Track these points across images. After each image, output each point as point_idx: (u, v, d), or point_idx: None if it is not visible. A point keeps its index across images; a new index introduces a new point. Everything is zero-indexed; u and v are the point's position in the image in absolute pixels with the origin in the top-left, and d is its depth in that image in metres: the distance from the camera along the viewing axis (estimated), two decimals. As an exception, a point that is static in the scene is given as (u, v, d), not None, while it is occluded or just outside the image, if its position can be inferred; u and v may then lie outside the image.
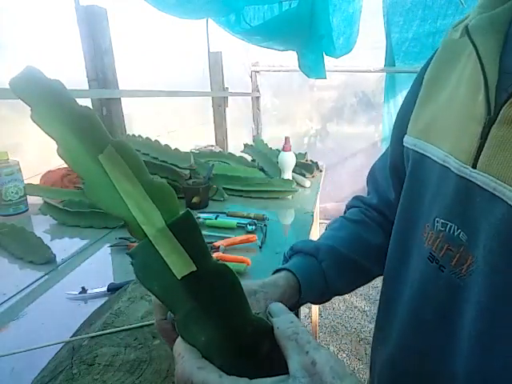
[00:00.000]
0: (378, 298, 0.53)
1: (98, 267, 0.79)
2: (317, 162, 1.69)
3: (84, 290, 0.67)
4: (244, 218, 1.06)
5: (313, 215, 1.15)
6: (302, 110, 3.45)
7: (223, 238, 0.90)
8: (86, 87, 1.28)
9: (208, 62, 2.43)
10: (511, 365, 0.30)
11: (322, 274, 0.50)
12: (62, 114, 0.25)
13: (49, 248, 0.81)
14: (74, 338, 0.48)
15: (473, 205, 0.34)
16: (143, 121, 1.88)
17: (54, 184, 1.17)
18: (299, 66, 2.40)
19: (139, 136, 1.36)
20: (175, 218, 0.26)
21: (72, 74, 1.34)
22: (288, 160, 1.43)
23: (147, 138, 1.32)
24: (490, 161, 0.32)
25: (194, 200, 1.14)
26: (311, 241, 0.55)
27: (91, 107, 1.30)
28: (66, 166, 0.26)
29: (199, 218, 1.03)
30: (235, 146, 2.23)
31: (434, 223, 0.39)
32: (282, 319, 0.29)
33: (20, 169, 1.03)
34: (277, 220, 1.11)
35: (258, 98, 3.37)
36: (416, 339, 0.41)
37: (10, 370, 0.49)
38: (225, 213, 1.10)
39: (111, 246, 0.87)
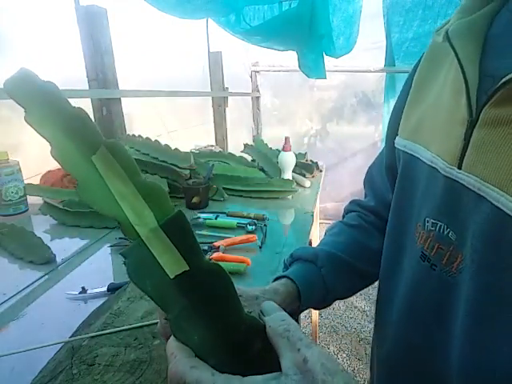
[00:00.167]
0: (378, 297, 0.53)
1: (97, 267, 0.79)
2: (317, 162, 1.69)
3: (84, 290, 0.67)
4: (244, 218, 1.06)
5: (313, 215, 1.15)
6: (302, 110, 3.45)
7: (223, 238, 0.90)
8: (86, 87, 1.28)
9: (208, 62, 2.43)
10: (499, 360, 0.31)
11: (322, 279, 0.51)
12: (55, 115, 0.25)
13: (49, 248, 0.81)
14: (73, 338, 0.48)
15: (460, 205, 0.34)
16: (143, 121, 1.88)
17: (54, 184, 1.17)
18: (299, 66, 2.40)
19: (139, 136, 1.35)
20: (167, 218, 0.26)
21: (72, 74, 1.34)
22: (288, 160, 1.43)
23: (147, 138, 1.32)
24: (473, 162, 0.32)
25: (194, 200, 1.14)
26: (310, 247, 0.56)
27: (91, 107, 1.31)
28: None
29: (199, 217, 1.03)
30: (235, 146, 2.23)
31: (424, 223, 0.39)
32: (273, 317, 0.29)
33: (20, 169, 1.03)
34: (277, 220, 1.11)
35: (257, 98, 3.37)
36: (411, 337, 0.42)
37: (9, 370, 0.49)
38: (225, 213, 1.10)
39: (111, 246, 0.87)
